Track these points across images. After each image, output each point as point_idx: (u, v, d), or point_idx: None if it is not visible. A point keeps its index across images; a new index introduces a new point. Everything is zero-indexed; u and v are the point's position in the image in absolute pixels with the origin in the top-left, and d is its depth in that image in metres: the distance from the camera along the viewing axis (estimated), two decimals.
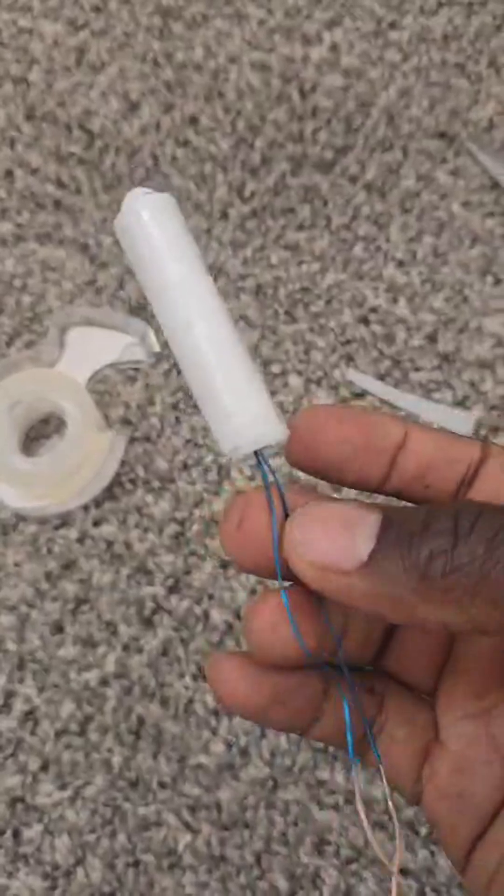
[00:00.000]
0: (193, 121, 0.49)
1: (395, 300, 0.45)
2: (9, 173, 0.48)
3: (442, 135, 0.49)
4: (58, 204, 0.47)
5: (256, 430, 0.19)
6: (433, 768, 0.21)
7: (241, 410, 0.19)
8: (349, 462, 0.20)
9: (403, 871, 0.35)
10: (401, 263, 0.46)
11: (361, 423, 0.20)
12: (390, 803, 0.21)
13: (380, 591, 0.17)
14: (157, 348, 0.43)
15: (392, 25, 0.51)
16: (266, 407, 0.19)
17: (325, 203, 0.47)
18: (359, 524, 0.18)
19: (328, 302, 0.45)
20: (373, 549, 0.17)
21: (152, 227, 0.19)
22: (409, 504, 0.21)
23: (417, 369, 0.43)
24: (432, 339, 0.44)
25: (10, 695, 0.38)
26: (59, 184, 0.48)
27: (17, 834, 0.36)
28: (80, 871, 0.36)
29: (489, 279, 0.45)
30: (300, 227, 0.46)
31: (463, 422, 0.41)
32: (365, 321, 0.44)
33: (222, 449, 0.19)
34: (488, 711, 0.21)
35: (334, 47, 0.50)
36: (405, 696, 0.22)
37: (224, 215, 0.47)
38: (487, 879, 0.20)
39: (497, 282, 0.45)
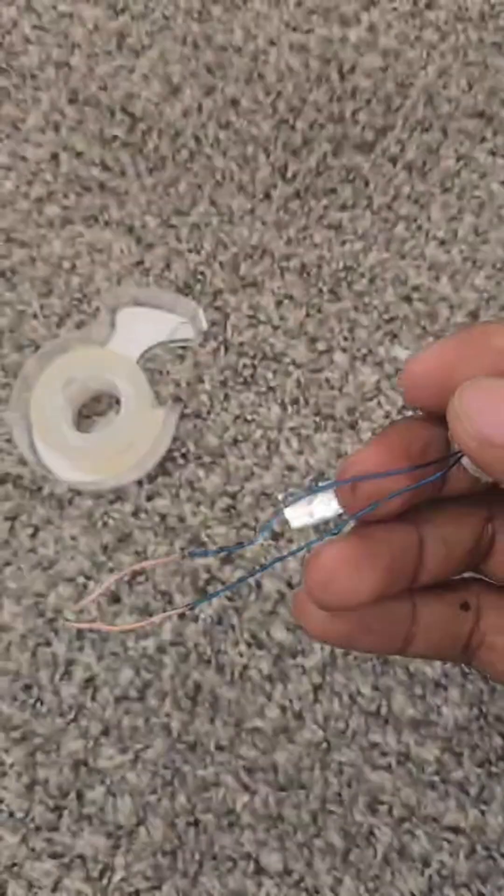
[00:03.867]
0: (234, 103, 0.50)
1: (437, 278, 0.45)
2: (54, 157, 0.49)
3: (481, 114, 0.49)
4: (103, 186, 0.48)
5: None
6: None
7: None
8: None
9: (455, 830, 0.37)
10: (442, 242, 0.46)
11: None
12: None
13: None
14: (205, 327, 0.44)
15: (428, 5, 0.52)
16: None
17: (367, 183, 0.48)
18: None
19: (371, 280, 0.46)
20: None
21: None
22: None
23: None
24: (475, 315, 0.45)
25: (70, 663, 0.39)
26: (104, 167, 0.49)
27: (80, 796, 0.38)
28: (142, 831, 0.37)
29: None
30: (342, 207, 0.47)
31: None
32: (408, 299, 0.45)
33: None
34: None
35: (372, 28, 0.51)
36: (500, 602, 0.22)
37: (267, 196, 0.48)
38: None
39: None
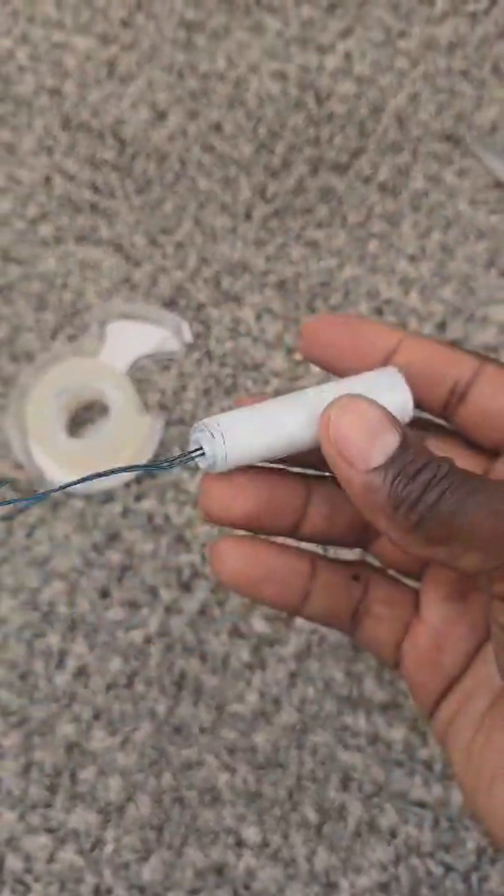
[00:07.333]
0: (218, 127, 0.53)
1: (406, 292, 0.49)
2: (48, 180, 0.52)
3: (448, 137, 0.52)
4: (94, 207, 0.51)
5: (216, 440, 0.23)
6: (413, 641, 0.25)
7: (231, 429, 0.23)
8: (337, 362, 0.24)
9: (420, 804, 0.39)
10: (412, 258, 0.49)
11: (355, 331, 0.24)
12: None
13: (365, 495, 0.21)
14: (189, 339, 0.47)
15: (401, 35, 0.55)
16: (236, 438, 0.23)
17: (341, 203, 0.51)
18: (381, 435, 0.21)
19: (346, 294, 0.49)
20: (383, 463, 0.21)
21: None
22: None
23: None
24: (442, 327, 0.48)
25: (63, 653, 0.42)
26: (95, 189, 0.52)
27: (73, 775, 0.40)
28: (130, 807, 0.40)
29: (494, 271, 0.49)
30: (319, 226, 0.50)
31: None
32: (380, 312, 0.48)
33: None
34: (467, 595, 0.25)
35: (347, 56, 0.54)
36: (388, 581, 0.26)
37: (248, 216, 0.51)
38: (447, 724, 0.24)
39: (501, 273, 0.49)
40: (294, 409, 0.23)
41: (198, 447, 0.23)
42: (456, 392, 0.24)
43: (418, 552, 0.21)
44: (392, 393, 0.23)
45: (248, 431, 0.23)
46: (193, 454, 0.23)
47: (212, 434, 0.23)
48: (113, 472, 0.23)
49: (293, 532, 0.26)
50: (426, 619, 0.25)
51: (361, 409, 0.21)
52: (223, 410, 0.46)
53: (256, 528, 0.25)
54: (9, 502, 0.23)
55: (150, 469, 0.25)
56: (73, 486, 0.43)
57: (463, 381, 0.24)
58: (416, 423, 0.25)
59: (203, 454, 0.23)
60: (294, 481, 0.25)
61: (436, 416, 0.26)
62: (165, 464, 0.23)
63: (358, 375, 0.24)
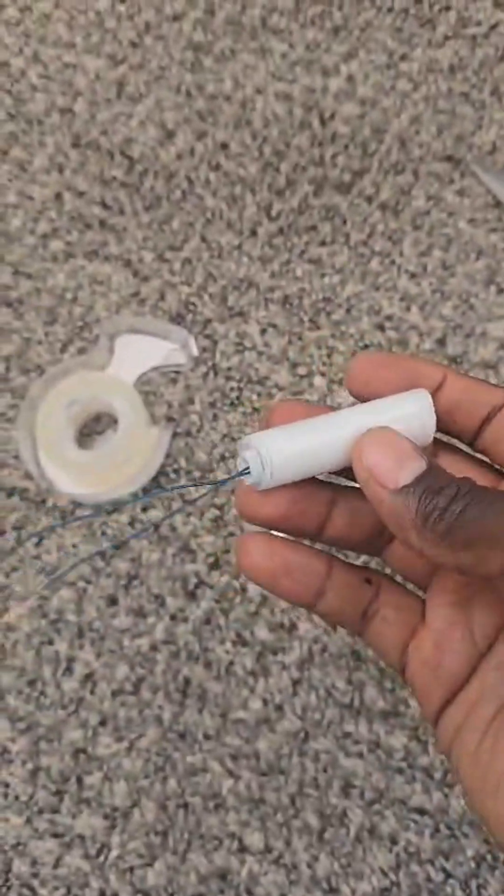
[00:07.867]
0: (224, 147, 0.54)
1: (408, 308, 0.50)
2: (58, 196, 0.53)
3: (449, 158, 0.54)
4: (103, 224, 0.52)
5: (259, 461, 0.25)
6: (417, 645, 0.26)
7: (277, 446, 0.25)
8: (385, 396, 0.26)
9: (421, 811, 0.40)
10: (413, 275, 0.51)
11: (406, 368, 0.26)
12: None
13: (395, 512, 0.23)
14: (195, 353, 0.48)
15: (403, 58, 0.56)
16: (281, 458, 0.25)
17: (345, 221, 0.52)
18: (408, 461, 0.24)
19: (348, 311, 0.50)
20: (408, 483, 0.23)
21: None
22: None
23: None
24: (442, 343, 0.49)
25: (71, 660, 0.43)
26: (104, 205, 0.53)
27: (80, 780, 0.41)
28: (136, 812, 0.41)
29: (493, 288, 0.50)
30: (322, 243, 0.52)
31: None
32: (381, 328, 0.49)
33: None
34: (469, 601, 0.26)
35: (351, 78, 0.56)
36: (398, 587, 0.28)
37: (253, 233, 0.52)
38: (453, 731, 0.25)
39: (500, 291, 0.50)
40: (333, 436, 0.25)
41: (245, 466, 0.25)
42: (488, 419, 0.26)
43: (447, 560, 0.23)
44: (419, 412, 0.25)
45: (292, 461, 0.25)
46: (242, 473, 0.25)
47: (262, 464, 0.25)
48: (174, 489, 0.26)
49: (318, 535, 0.27)
50: (431, 624, 0.26)
51: (390, 439, 0.24)
52: (228, 423, 0.47)
53: (284, 529, 0.27)
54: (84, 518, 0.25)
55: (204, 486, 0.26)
56: (83, 497, 0.44)
57: (495, 409, 0.26)
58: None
59: (249, 473, 0.25)
60: (322, 488, 0.27)
61: (466, 443, 0.27)
62: (218, 483, 0.26)
63: (389, 398, 0.26)
